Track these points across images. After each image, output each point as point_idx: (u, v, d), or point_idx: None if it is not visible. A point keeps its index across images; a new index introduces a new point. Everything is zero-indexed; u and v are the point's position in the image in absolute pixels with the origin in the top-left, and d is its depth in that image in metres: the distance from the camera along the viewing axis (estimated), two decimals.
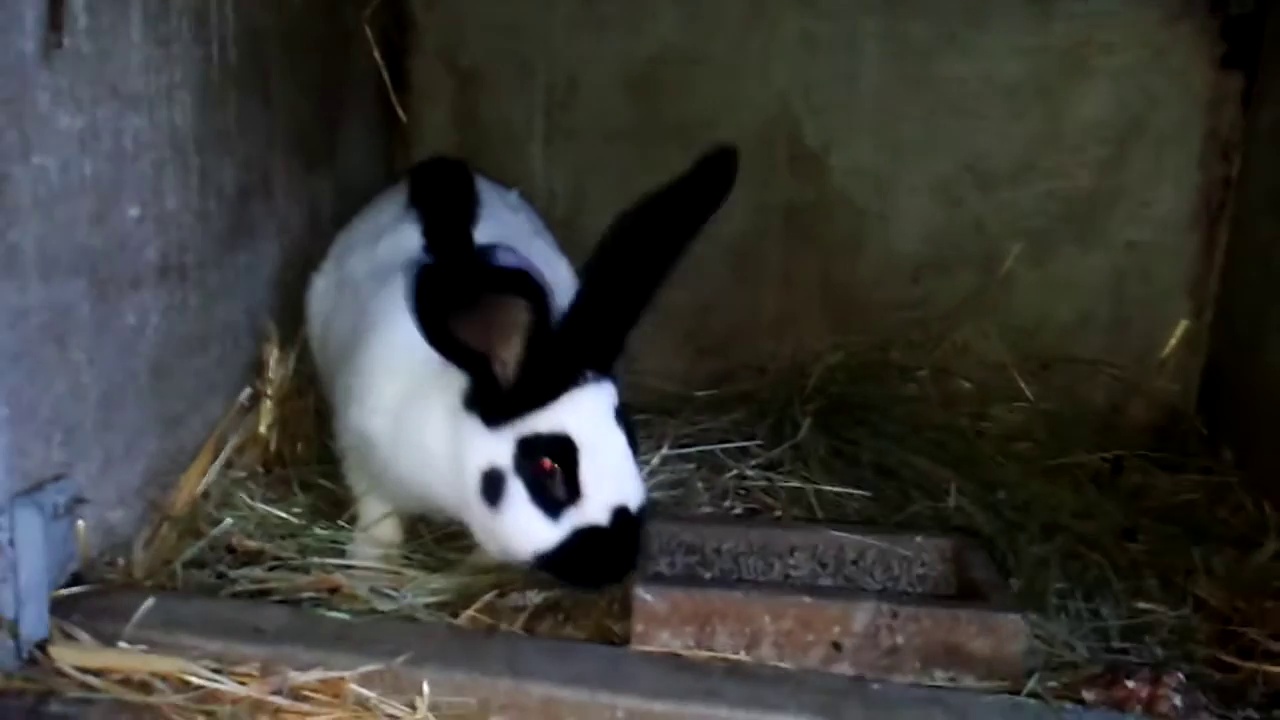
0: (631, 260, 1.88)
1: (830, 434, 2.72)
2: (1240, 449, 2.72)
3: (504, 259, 1.83)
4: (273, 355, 2.42)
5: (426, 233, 2.28)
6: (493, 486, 1.89)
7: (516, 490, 1.87)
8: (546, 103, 3.11)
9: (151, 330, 2.06)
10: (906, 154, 3.04)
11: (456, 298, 1.77)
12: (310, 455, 2.46)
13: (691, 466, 2.57)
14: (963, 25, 2.96)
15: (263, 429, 2.38)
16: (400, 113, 2.89)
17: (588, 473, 1.85)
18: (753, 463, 2.57)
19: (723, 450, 2.62)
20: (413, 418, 2.00)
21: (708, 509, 2.38)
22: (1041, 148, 2.99)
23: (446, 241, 2.22)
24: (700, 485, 2.48)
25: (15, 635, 1.72)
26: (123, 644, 1.74)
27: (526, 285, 1.77)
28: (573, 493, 1.85)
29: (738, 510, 2.39)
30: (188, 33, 2.11)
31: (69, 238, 1.81)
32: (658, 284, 1.90)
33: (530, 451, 1.86)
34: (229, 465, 2.28)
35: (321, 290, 2.45)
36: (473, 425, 1.91)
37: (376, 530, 2.22)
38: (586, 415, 1.88)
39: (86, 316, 1.87)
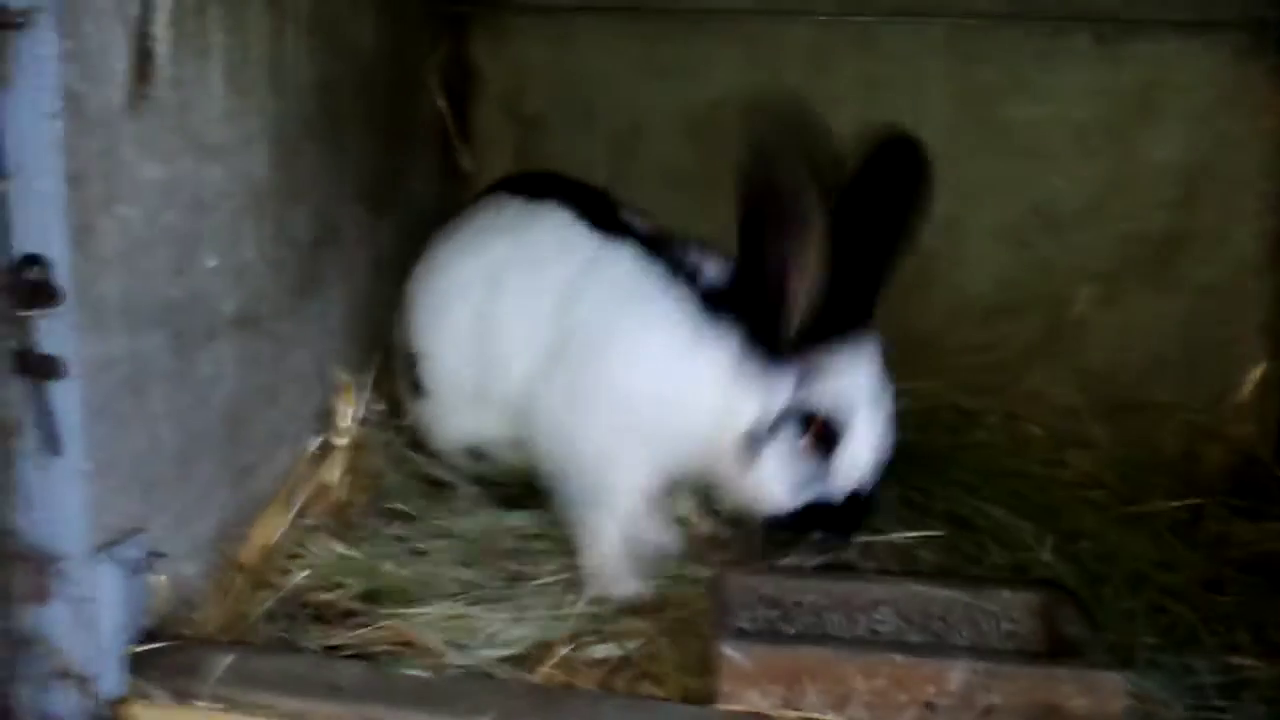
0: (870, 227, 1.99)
1: (900, 481, 2.66)
2: None
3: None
4: (343, 404, 2.41)
5: (585, 214, 2.36)
6: (753, 444, 2.03)
7: (777, 444, 2.02)
8: (610, 150, 3.11)
9: (226, 381, 2.05)
10: (974, 196, 3.00)
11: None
12: (379, 505, 2.44)
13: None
14: (1030, 67, 2.94)
15: (332, 479, 2.36)
16: (463, 161, 2.89)
17: (855, 441, 2.00)
18: None
19: None
20: (682, 375, 2.10)
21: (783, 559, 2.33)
22: (1112, 190, 2.96)
23: (613, 224, 2.33)
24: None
25: (93, 694, 1.70)
26: (200, 703, 1.72)
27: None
28: (834, 456, 2.00)
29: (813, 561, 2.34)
30: (264, 83, 2.11)
31: (150, 289, 1.80)
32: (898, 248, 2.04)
33: (800, 414, 2.00)
34: (299, 515, 2.26)
35: (457, 287, 2.43)
36: (744, 374, 2.04)
37: (614, 558, 2.24)
38: (861, 377, 2.00)
39: (165, 368, 1.86)
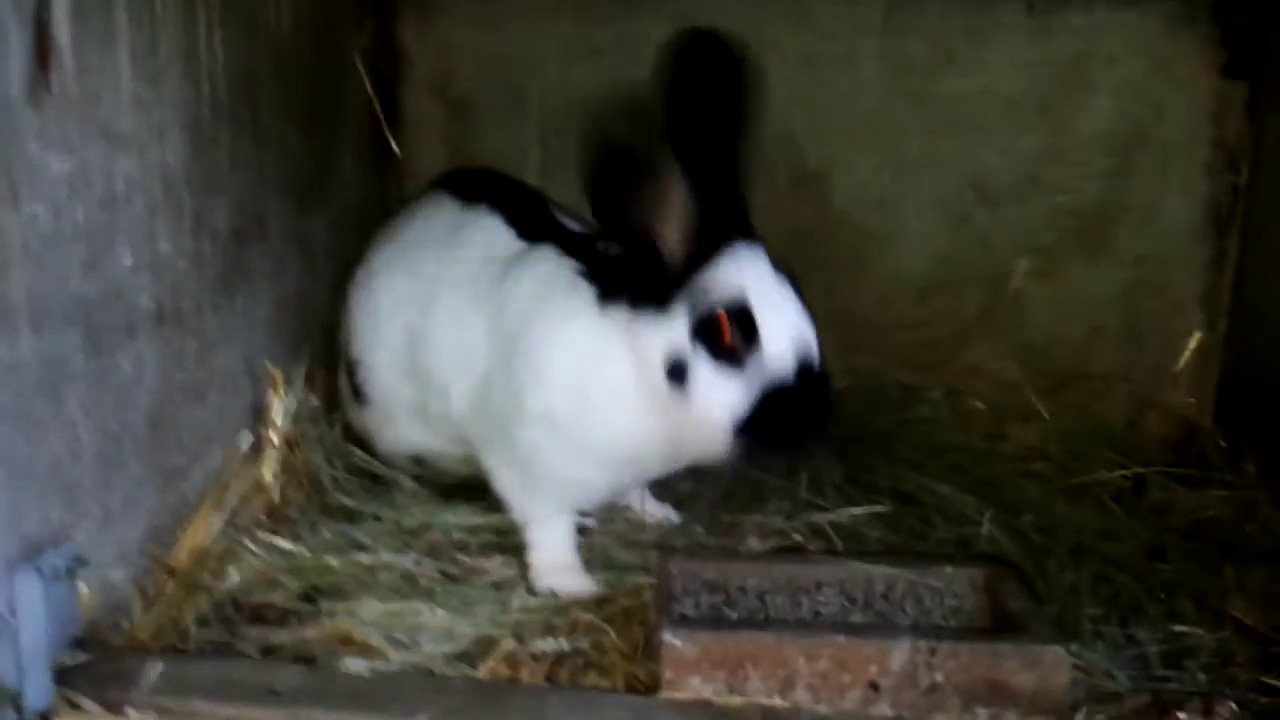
0: (718, 131, 1.99)
1: (845, 460, 2.66)
2: (1262, 461, 2.66)
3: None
4: (275, 400, 2.35)
5: (514, 221, 2.33)
6: (678, 372, 1.96)
7: (700, 363, 1.94)
8: (541, 132, 3.06)
9: (148, 380, 1.98)
10: (909, 172, 3.00)
11: (630, 166, 1.90)
12: (316, 502, 2.39)
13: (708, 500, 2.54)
14: (962, 42, 2.93)
15: (267, 477, 2.30)
16: (394, 146, 2.83)
17: (765, 324, 1.92)
18: (773, 504, 2.51)
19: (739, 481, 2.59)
20: (596, 368, 2.06)
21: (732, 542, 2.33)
22: (1046, 162, 2.96)
23: (540, 229, 2.30)
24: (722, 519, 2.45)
25: (18, 707, 1.63)
26: (131, 711, 1.67)
27: (686, 153, 1.89)
28: (753, 345, 1.91)
29: (760, 545, 2.32)
30: (176, 70, 2.04)
31: (61, 287, 1.73)
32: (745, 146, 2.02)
33: (705, 320, 1.93)
34: (232, 515, 2.20)
35: (391, 301, 2.40)
36: (645, 323, 2.00)
37: (562, 556, 2.21)
38: (751, 273, 1.94)
39: (81, 368, 1.79)
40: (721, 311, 1.92)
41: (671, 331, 1.97)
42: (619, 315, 2.05)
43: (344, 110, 2.82)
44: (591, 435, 2.10)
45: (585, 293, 2.11)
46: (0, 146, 1.58)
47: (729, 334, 1.91)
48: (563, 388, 2.09)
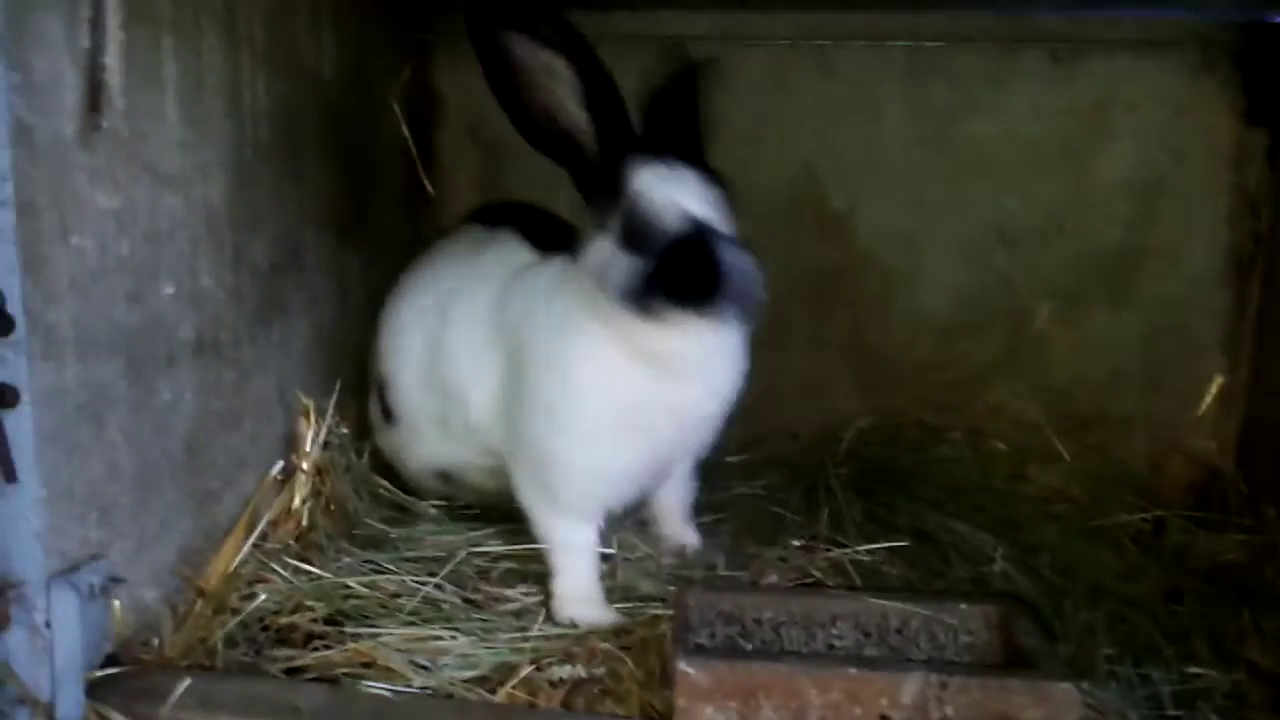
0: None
1: (866, 498, 2.69)
2: None
3: None
4: (307, 429, 2.42)
5: (534, 240, 2.42)
6: (600, 273, 2.07)
7: (615, 255, 2.03)
8: None
9: (186, 407, 2.06)
10: (933, 215, 3.05)
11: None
12: (343, 529, 2.45)
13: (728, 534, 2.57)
14: (984, 87, 2.99)
15: (297, 503, 2.36)
16: (428, 186, 2.91)
17: (660, 203, 1.99)
18: (793, 539, 2.52)
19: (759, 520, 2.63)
20: (572, 336, 2.14)
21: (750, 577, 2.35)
22: (1068, 207, 3.00)
23: (559, 246, 2.33)
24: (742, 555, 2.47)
25: (51, 718, 1.70)
26: None
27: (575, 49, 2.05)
28: (650, 224, 1.99)
29: (776, 579, 2.35)
30: (221, 111, 2.13)
31: (106, 317, 1.81)
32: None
33: (622, 219, 2.04)
34: (262, 540, 2.26)
35: (414, 315, 2.49)
36: (590, 248, 2.12)
37: (585, 587, 2.23)
38: (659, 171, 2.03)
39: (123, 395, 1.87)
40: (625, 208, 2.03)
41: (603, 243, 2.07)
42: (579, 267, 2.14)
43: (380, 151, 2.91)
44: (583, 407, 2.14)
45: (570, 278, 2.18)
46: (52, 183, 1.67)
47: (628, 220, 2.02)
48: (549, 367, 2.15)
